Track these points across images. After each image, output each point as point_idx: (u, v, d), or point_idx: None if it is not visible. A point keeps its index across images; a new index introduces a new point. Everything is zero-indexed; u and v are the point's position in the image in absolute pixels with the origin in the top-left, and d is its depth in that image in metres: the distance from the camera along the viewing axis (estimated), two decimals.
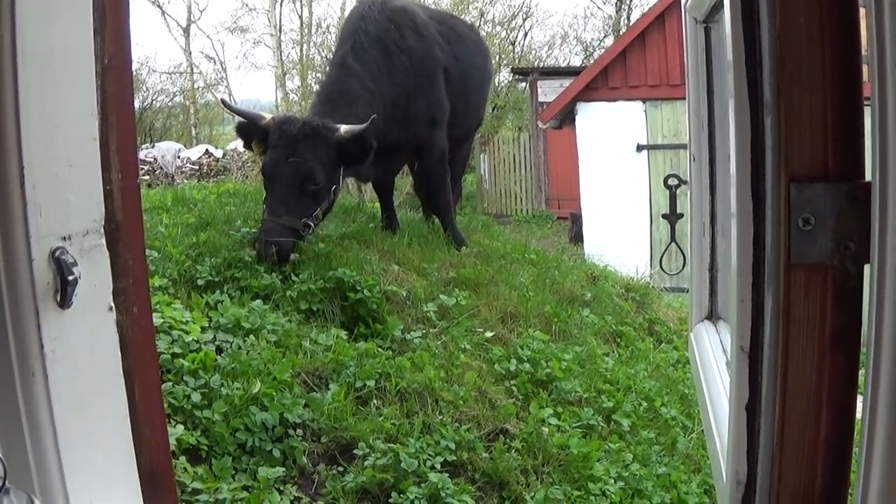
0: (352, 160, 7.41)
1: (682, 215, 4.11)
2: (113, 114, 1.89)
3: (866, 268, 1.65)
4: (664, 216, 4.26)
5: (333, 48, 9.42)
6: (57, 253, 1.73)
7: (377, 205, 9.96)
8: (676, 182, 4.39)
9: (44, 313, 1.71)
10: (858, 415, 1.65)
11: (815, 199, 1.67)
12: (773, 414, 1.78)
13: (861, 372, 1.69)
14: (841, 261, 1.68)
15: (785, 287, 1.71)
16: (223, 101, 12.06)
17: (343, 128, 7.29)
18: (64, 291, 1.72)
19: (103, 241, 1.85)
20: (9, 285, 1.70)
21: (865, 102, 1.63)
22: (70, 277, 1.72)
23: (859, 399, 1.67)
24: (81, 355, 1.81)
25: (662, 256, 5.38)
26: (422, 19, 9.10)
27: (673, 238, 4.52)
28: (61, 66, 1.77)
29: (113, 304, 1.88)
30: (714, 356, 2.97)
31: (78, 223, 1.79)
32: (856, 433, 1.72)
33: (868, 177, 1.59)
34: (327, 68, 10.83)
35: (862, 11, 1.64)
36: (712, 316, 3.40)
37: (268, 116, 7.71)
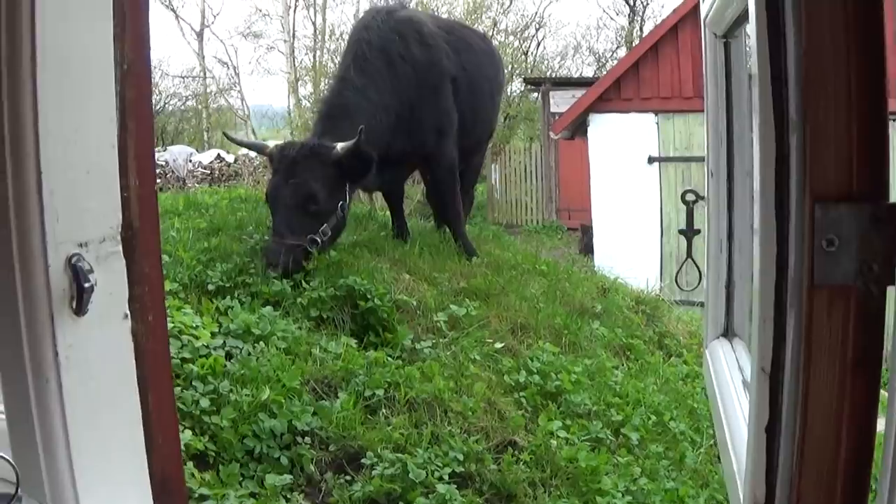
0: (355, 175, 7.46)
1: (698, 231, 4.10)
2: (132, 120, 1.89)
3: (889, 289, 1.64)
4: (681, 231, 4.24)
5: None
6: (73, 259, 1.73)
7: (388, 213, 9.95)
8: (694, 198, 4.37)
9: (59, 320, 1.71)
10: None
11: (839, 219, 1.66)
12: (792, 436, 1.76)
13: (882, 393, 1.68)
14: (864, 282, 1.66)
15: (807, 308, 1.69)
16: (225, 134, 12.12)
17: (339, 145, 7.34)
18: (80, 298, 1.72)
19: (120, 248, 1.85)
20: (25, 292, 1.70)
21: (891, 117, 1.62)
22: (86, 285, 1.72)
23: (880, 421, 1.66)
24: (96, 363, 1.80)
25: (678, 272, 5.37)
26: (429, 29, 9.09)
27: (689, 254, 4.50)
28: (81, 71, 1.77)
29: (128, 312, 1.87)
30: (730, 374, 2.96)
31: (95, 230, 1.79)
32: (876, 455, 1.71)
33: (893, 198, 1.58)
34: (330, 80, 10.89)
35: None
36: (728, 333, 3.39)
37: (270, 145, 7.79)
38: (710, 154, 3.38)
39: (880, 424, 1.70)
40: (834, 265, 1.67)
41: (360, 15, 34.62)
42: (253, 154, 28.99)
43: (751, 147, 2.72)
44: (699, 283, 3.82)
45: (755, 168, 1.83)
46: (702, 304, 3.70)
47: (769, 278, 1.77)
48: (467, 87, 9.21)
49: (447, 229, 9.60)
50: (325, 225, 7.27)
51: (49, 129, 1.68)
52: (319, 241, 7.16)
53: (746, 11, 2.12)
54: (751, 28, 1.88)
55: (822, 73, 1.66)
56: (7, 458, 1.78)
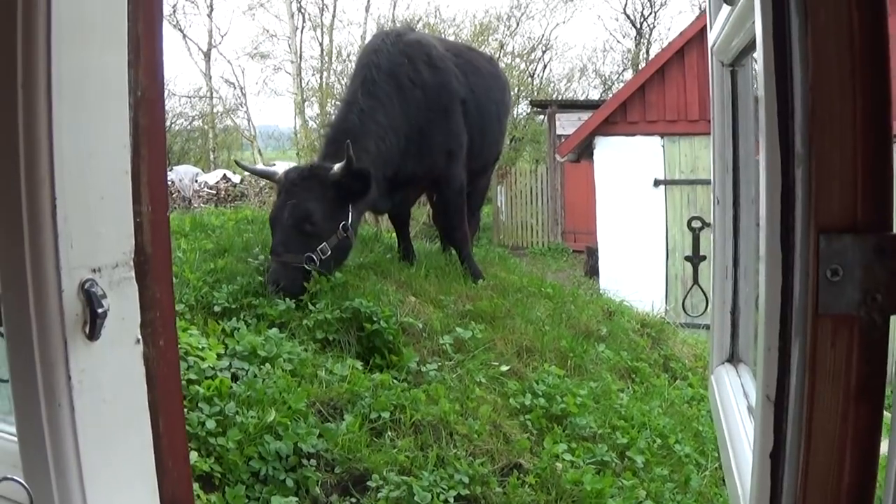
0: (356, 194, 7.44)
1: (704, 257, 4.11)
2: (145, 146, 1.91)
3: (893, 319, 1.66)
4: (687, 258, 4.26)
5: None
6: (87, 285, 1.75)
7: (394, 235, 9.97)
8: (700, 224, 4.40)
9: (72, 345, 1.72)
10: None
11: (844, 250, 1.68)
12: (797, 462, 1.78)
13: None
14: (868, 312, 1.68)
15: (812, 337, 1.71)
16: (237, 162, 12.25)
17: (336, 166, 7.37)
18: (93, 323, 1.74)
19: (132, 273, 1.87)
20: (38, 316, 1.71)
21: None
22: (99, 310, 1.74)
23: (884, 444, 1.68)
24: (108, 387, 1.82)
25: (685, 298, 5.38)
26: (438, 52, 9.11)
27: (696, 280, 4.52)
28: (95, 98, 1.80)
29: (140, 337, 1.89)
30: (735, 400, 2.97)
31: (108, 255, 1.81)
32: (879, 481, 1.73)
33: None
34: (338, 103, 10.93)
35: None
36: (733, 359, 3.40)
37: (280, 171, 7.83)
38: (717, 181, 3.40)
39: (883, 447, 1.72)
40: (838, 295, 1.69)
41: (368, 36, 34.66)
42: None
43: (756, 175, 2.74)
44: (705, 309, 3.83)
45: (762, 198, 1.85)
46: (707, 327, 3.71)
47: (774, 307, 1.79)
48: (476, 109, 9.22)
49: (453, 251, 9.62)
50: (324, 244, 7.29)
51: (64, 156, 1.70)
52: (317, 259, 7.19)
53: (753, 41, 2.15)
54: (758, 61, 1.90)
55: (827, 107, 1.68)
56: (20, 480, 1.79)
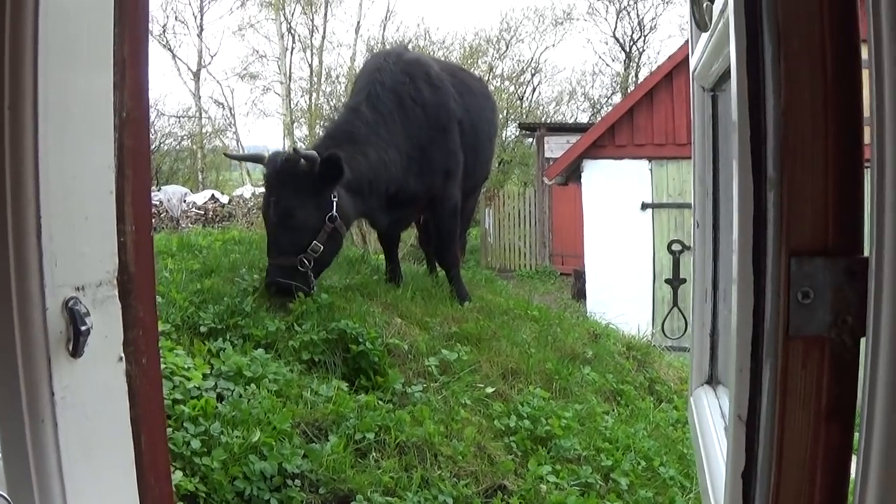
0: (333, 179, 7.43)
1: (684, 280, 4.14)
2: (129, 167, 1.93)
3: (863, 340, 1.68)
4: (667, 281, 4.30)
5: (342, 98, 9.48)
6: (70, 303, 1.77)
7: (381, 257, 9.99)
8: (680, 248, 4.43)
9: (56, 361, 1.74)
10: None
11: (815, 273, 1.70)
12: (768, 482, 1.80)
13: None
14: (838, 334, 1.71)
15: (783, 358, 1.74)
16: (226, 153, 12.11)
17: (305, 153, 7.49)
18: (76, 341, 1.76)
19: (116, 292, 1.89)
20: (22, 333, 1.73)
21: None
22: (83, 328, 1.76)
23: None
24: (91, 404, 1.84)
25: (664, 321, 5.41)
26: (435, 71, 9.16)
27: (675, 303, 4.55)
28: (81, 119, 1.82)
29: (123, 355, 1.91)
30: (713, 421, 2.99)
31: (92, 274, 1.83)
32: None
33: (866, 252, 1.63)
34: (336, 111, 11.01)
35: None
36: (712, 381, 3.42)
37: (266, 155, 7.88)
38: (697, 205, 3.43)
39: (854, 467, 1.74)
40: (809, 317, 1.71)
41: (357, 58, 34.76)
42: (247, 195, 29.13)
43: None
44: (685, 332, 3.86)
45: (734, 221, 1.88)
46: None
47: (746, 329, 1.82)
48: (470, 128, 9.27)
49: (439, 273, 9.65)
50: (315, 242, 7.38)
51: (49, 176, 1.72)
52: (309, 260, 7.32)
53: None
54: (732, 86, 1.93)
55: (800, 132, 1.71)
56: (4, 495, 1.81)
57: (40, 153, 1.70)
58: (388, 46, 32.20)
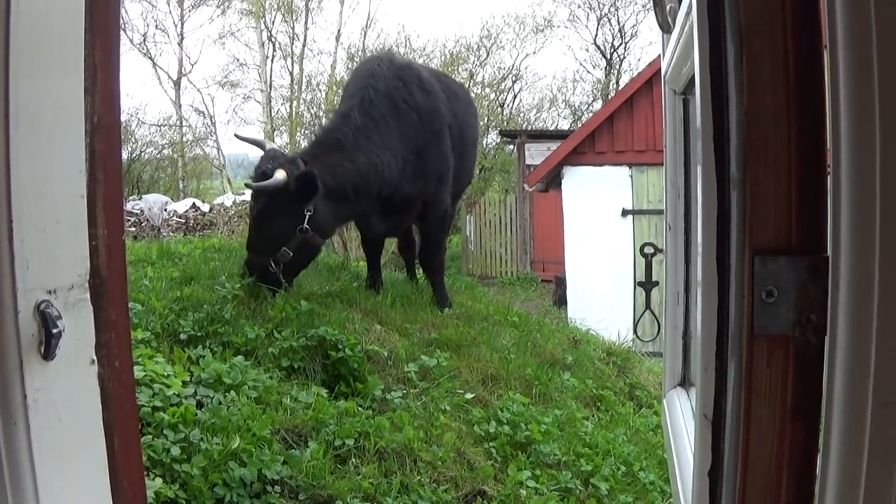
0: (307, 195, 7.55)
1: (657, 283, 4.16)
2: (101, 171, 1.94)
3: (826, 339, 1.70)
4: (639, 284, 4.30)
5: (323, 106, 9.51)
6: (42, 306, 1.77)
7: (361, 264, 9.99)
8: (652, 250, 4.44)
9: (28, 365, 1.74)
10: None
11: (778, 272, 1.72)
12: (734, 481, 1.81)
13: None
14: (802, 332, 1.73)
15: (747, 357, 1.75)
16: (237, 135, 12.25)
17: (277, 174, 7.54)
18: (48, 344, 1.76)
19: (88, 295, 1.89)
20: None
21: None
22: (54, 330, 1.76)
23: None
24: (63, 407, 1.84)
25: (637, 323, 5.43)
26: (426, 76, 9.23)
27: (648, 305, 4.56)
28: (52, 124, 1.82)
29: (95, 358, 1.92)
30: (685, 422, 3.01)
31: (64, 277, 1.83)
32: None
33: (829, 251, 1.65)
34: (318, 119, 11.13)
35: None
36: (685, 383, 3.44)
37: (268, 147, 8.09)
38: (668, 208, 3.44)
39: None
40: (773, 315, 1.73)
41: (338, 66, 34.75)
42: (228, 203, 29.09)
43: None
44: (658, 335, 3.88)
45: (698, 222, 1.89)
46: None
47: (711, 328, 1.83)
48: (458, 134, 9.31)
49: (419, 280, 9.67)
50: (284, 249, 7.57)
51: (20, 180, 1.72)
52: (278, 263, 7.57)
53: None
54: (696, 86, 1.95)
55: (762, 132, 1.73)
56: None
57: (11, 157, 1.71)
58: (369, 54, 32.24)
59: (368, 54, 31.15)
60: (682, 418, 3.09)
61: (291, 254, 7.59)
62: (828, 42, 1.55)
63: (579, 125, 30.50)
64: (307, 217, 7.58)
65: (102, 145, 1.94)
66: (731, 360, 1.79)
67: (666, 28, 2.96)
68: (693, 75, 3.03)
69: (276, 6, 40.52)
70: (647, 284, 4.49)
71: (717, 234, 1.81)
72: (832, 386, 1.57)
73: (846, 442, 1.57)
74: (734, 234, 1.76)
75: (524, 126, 39.42)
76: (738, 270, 1.76)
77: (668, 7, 2.88)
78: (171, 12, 42.18)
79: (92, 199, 1.91)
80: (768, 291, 1.73)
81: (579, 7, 46.75)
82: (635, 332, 5.86)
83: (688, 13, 2.49)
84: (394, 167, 8.23)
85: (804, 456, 1.78)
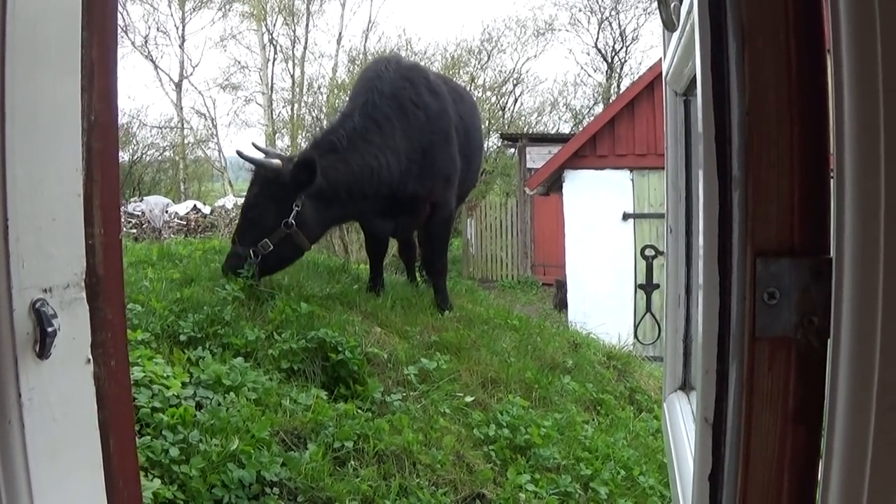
0: (302, 184, 7.70)
1: (657, 285, 4.15)
2: (97, 170, 1.92)
3: (829, 342, 1.68)
4: (640, 286, 4.30)
5: (324, 109, 9.56)
6: (37, 304, 1.76)
7: (362, 266, 9.99)
8: (653, 253, 4.44)
9: (22, 363, 1.73)
10: None
11: (781, 273, 1.70)
12: (735, 485, 1.80)
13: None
14: (805, 335, 1.71)
15: (749, 360, 1.74)
16: (238, 153, 12.39)
17: (274, 162, 7.87)
18: (43, 342, 1.75)
19: (84, 294, 1.88)
20: None
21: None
22: (49, 329, 1.75)
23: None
24: (58, 406, 1.83)
25: (637, 326, 5.43)
26: (433, 77, 9.33)
27: (648, 308, 4.56)
28: (48, 122, 1.81)
29: (91, 357, 1.91)
30: (685, 426, 2.99)
31: (59, 276, 1.82)
32: None
33: (832, 253, 1.63)
34: (319, 122, 11.31)
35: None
36: (685, 386, 3.42)
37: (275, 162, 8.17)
38: (669, 210, 3.43)
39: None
40: (775, 318, 1.72)
41: (339, 68, 34.78)
42: (229, 205, 29.11)
43: None
44: (658, 338, 3.87)
45: (700, 222, 1.88)
46: None
47: (712, 330, 1.82)
48: (464, 136, 9.33)
49: (419, 283, 9.68)
50: (266, 240, 7.66)
51: (16, 178, 1.71)
52: (258, 254, 7.66)
53: None
54: (697, 85, 1.94)
55: (765, 132, 1.71)
56: None
57: (7, 155, 1.69)
58: (370, 57, 32.28)
59: (370, 57, 31.22)
60: (682, 422, 3.07)
61: (272, 247, 7.68)
62: (831, 40, 1.53)
63: (580, 129, 30.49)
64: (295, 212, 7.70)
65: (99, 144, 1.93)
66: (732, 362, 1.78)
67: (670, 26, 2.95)
68: (694, 76, 3.02)
69: (277, 9, 40.60)
70: (647, 287, 4.49)
71: (719, 235, 1.79)
72: (835, 389, 1.56)
73: (850, 445, 1.55)
74: (736, 235, 1.75)
75: (525, 129, 39.46)
76: (740, 272, 1.74)
77: (672, 5, 2.86)
78: (172, 15, 42.31)
79: (88, 197, 1.90)
80: (770, 293, 1.71)
81: (580, 11, 46.90)
82: (636, 335, 5.86)
83: (689, 12, 2.48)
84: (394, 168, 8.24)
85: (806, 460, 1.76)
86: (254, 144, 10.83)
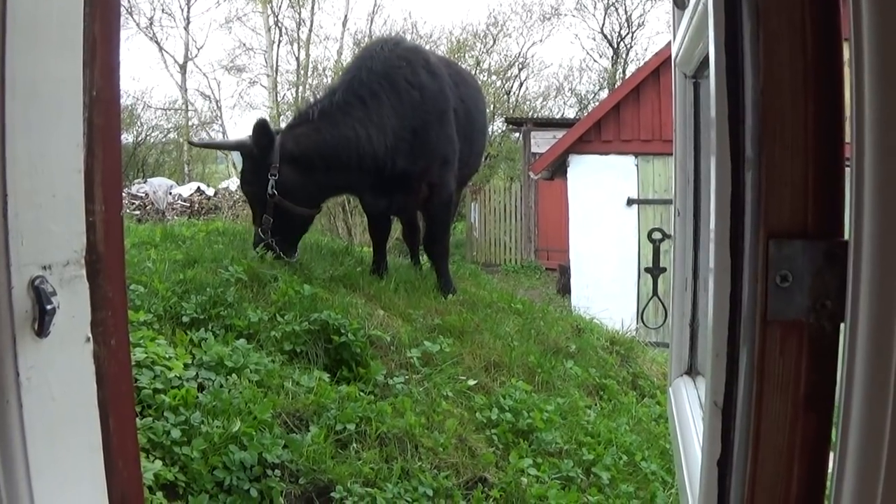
0: (262, 151, 8.05)
1: (664, 269, 4.12)
2: (99, 146, 1.90)
3: (842, 326, 1.65)
4: (647, 270, 4.27)
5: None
6: (36, 282, 1.73)
7: (365, 249, 9.99)
8: (661, 236, 4.41)
9: (21, 341, 1.71)
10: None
11: (794, 256, 1.68)
12: (744, 470, 1.77)
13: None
14: (817, 319, 1.68)
15: (760, 343, 1.71)
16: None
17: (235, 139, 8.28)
18: (42, 320, 1.72)
19: (84, 271, 1.86)
20: None
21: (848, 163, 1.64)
22: (48, 307, 1.72)
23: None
24: (57, 385, 1.81)
25: (644, 310, 5.40)
26: (434, 59, 9.37)
27: (655, 292, 4.53)
28: (49, 97, 1.78)
29: (91, 335, 1.88)
30: (691, 411, 2.97)
31: (59, 253, 1.80)
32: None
33: (847, 235, 1.60)
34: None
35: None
36: (692, 371, 3.40)
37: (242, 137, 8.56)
38: (678, 193, 3.40)
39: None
40: (787, 301, 1.69)
41: (344, 51, 34.75)
42: (233, 187, 29.10)
43: None
44: (665, 322, 3.85)
45: (711, 203, 1.85)
46: None
47: (723, 313, 1.79)
48: (465, 118, 9.39)
49: (423, 266, 9.68)
50: (265, 214, 8.05)
51: (16, 154, 1.69)
52: (266, 231, 8.07)
53: None
54: (710, 65, 1.91)
55: (779, 112, 1.69)
56: None
57: (7, 130, 1.67)
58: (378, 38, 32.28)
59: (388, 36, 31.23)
60: (688, 407, 3.05)
61: (272, 220, 7.97)
62: (852, 18, 1.50)
63: (585, 114, 30.47)
64: (272, 180, 7.97)
65: (101, 120, 1.90)
66: (743, 346, 1.75)
67: (681, 3, 2.92)
68: (706, 56, 2.99)
69: None
70: (654, 270, 4.46)
71: (731, 217, 1.76)
72: (852, 374, 1.53)
73: (864, 432, 1.52)
74: (748, 217, 1.72)
75: (530, 114, 39.49)
76: (752, 254, 1.71)
77: None
78: None
79: (90, 174, 1.87)
80: (783, 276, 1.68)
81: None
82: (641, 318, 5.83)
83: None
84: (377, 142, 8.34)
85: (817, 446, 1.74)
86: (189, 141, 11.33)
